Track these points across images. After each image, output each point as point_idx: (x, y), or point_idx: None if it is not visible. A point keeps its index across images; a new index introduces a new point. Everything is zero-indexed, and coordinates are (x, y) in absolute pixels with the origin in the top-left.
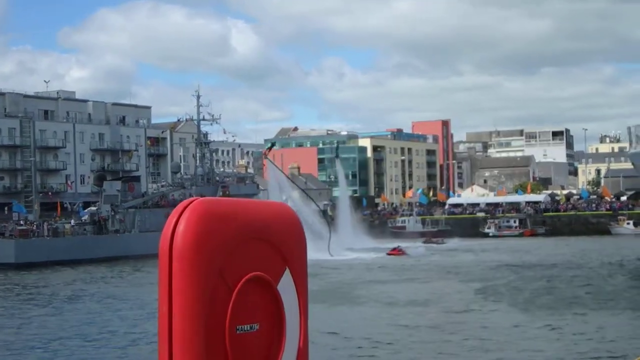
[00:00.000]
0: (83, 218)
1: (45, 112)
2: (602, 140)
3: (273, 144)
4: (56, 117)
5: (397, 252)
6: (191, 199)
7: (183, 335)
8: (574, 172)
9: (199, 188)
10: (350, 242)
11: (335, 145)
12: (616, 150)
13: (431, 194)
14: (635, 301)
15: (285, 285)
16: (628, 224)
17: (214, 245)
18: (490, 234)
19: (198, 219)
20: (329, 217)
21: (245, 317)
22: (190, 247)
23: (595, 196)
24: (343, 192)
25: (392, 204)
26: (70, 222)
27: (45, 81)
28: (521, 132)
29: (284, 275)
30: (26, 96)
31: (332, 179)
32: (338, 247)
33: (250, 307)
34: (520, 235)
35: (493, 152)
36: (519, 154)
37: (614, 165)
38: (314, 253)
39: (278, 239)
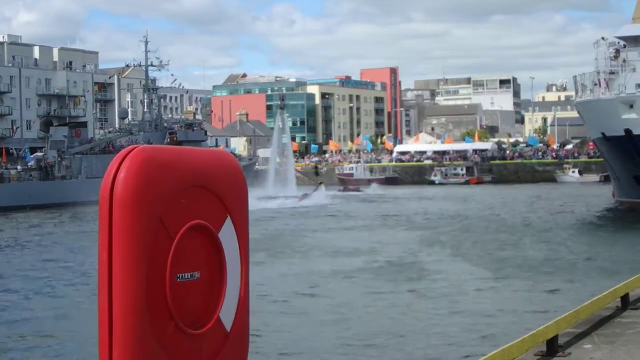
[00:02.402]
0: (29, 164)
1: None
2: (548, 89)
3: None
4: (1, 62)
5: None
6: (132, 146)
7: (123, 283)
8: (521, 121)
9: (146, 134)
10: (288, 189)
11: (282, 93)
12: (562, 99)
13: (379, 141)
14: (576, 251)
15: (227, 233)
16: (573, 172)
17: (155, 193)
18: (437, 182)
19: (139, 167)
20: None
21: (186, 265)
22: (131, 195)
23: (541, 144)
24: (288, 141)
25: (340, 150)
26: (16, 168)
27: None
28: (468, 80)
29: (225, 223)
30: None
31: (280, 126)
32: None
33: (191, 255)
34: (467, 183)
35: (441, 100)
36: (467, 102)
37: (560, 114)
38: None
39: (219, 187)
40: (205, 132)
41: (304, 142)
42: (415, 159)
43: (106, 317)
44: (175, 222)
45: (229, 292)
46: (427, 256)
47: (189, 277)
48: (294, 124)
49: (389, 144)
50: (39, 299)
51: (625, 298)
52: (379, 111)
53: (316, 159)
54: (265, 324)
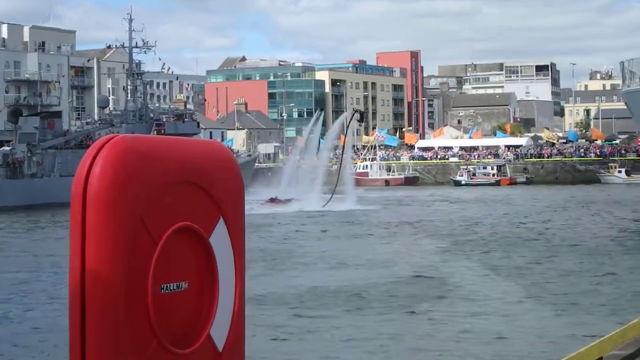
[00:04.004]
0: None
1: None
2: (592, 76)
3: None
4: None
5: (275, 202)
6: (109, 136)
7: (97, 295)
8: (560, 113)
9: (129, 126)
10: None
11: (287, 78)
12: (608, 88)
13: (398, 135)
14: (621, 267)
15: (219, 237)
16: (620, 172)
17: (136, 190)
18: (463, 182)
19: (117, 159)
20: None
21: (172, 274)
22: (107, 192)
23: (583, 140)
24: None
25: (354, 146)
26: None
27: None
28: (501, 66)
29: (218, 225)
30: None
31: (284, 117)
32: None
33: (177, 262)
34: (497, 183)
35: (468, 89)
36: (498, 90)
37: (605, 105)
38: None
39: (211, 183)
40: (198, 123)
41: (311, 135)
42: (439, 156)
43: (78, 333)
44: (159, 224)
45: (221, 305)
46: (449, 270)
47: (175, 287)
48: (300, 114)
49: (410, 137)
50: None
51: None
52: (397, 101)
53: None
54: (262, 345)
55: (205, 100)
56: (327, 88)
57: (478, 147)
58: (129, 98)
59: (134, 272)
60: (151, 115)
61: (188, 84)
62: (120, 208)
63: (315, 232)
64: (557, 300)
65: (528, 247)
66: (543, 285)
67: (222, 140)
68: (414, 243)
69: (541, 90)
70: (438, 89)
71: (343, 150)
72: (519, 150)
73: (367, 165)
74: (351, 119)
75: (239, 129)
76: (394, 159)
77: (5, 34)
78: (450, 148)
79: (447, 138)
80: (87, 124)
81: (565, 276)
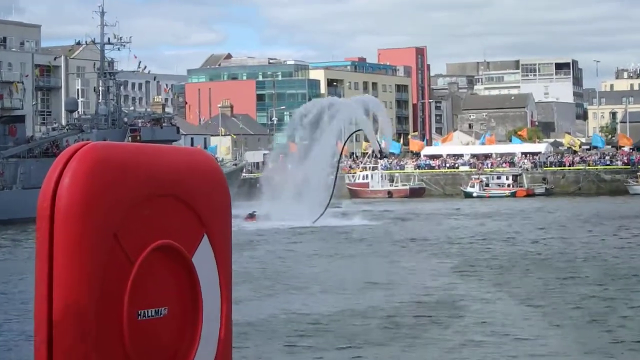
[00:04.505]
0: None
1: None
2: (618, 75)
3: None
4: None
5: (253, 218)
6: (81, 143)
7: (66, 321)
8: (583, 116)
9: (101, 132)
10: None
11: (278, 77)
12: (636, 88)
13: (401, 141)
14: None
15: (203, 257)
16: None
17: (110, 205)
18: (475, 194)
19: (88, 170)
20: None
21: (150, 298)
22: (78, 207)
23: (609, 146)
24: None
25: (352, 153)
26: None
27: None
28: (516, 64)
29: (201, 243)
30: None
31: (275, 121)
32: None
33: (156, 285)
34: (512, 195)
35: (480, 89)
36: (514, 91)
37: (633, 107)
38: None
39: (194, 196)
40: (178, 129)
41: (305, 142)
42: (447, 165)
43: None
44: (136, 242)
45: (205, 333)
46: (458, 293)
47: (154, 314)
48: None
49: (415, 143)
50: None
51: None
52: (401, 103)
53: None
54: None
55: (186, 102)
56: (323, 89)
57: (491, 154)
58: (100, 100)
59: (108, 297)
60: (125, 119)
61: (167, 85)
62: (92, 224)
63: (307, 251)
64: (580, 326)
65: (547, 268)
66: (564, 310)
67: (205, 147)
68: (420, 263)
69: (562, 90)
70: (446, 89)
71: (339, 160)
72: (537, 157)
73: (367, 175)
74: (350, 135)
75: (223, 134)
76: (398, 168)
77: None
78: (461, 156)
79: (456, 144)
80: (54, 129)
81: (589, 300)
